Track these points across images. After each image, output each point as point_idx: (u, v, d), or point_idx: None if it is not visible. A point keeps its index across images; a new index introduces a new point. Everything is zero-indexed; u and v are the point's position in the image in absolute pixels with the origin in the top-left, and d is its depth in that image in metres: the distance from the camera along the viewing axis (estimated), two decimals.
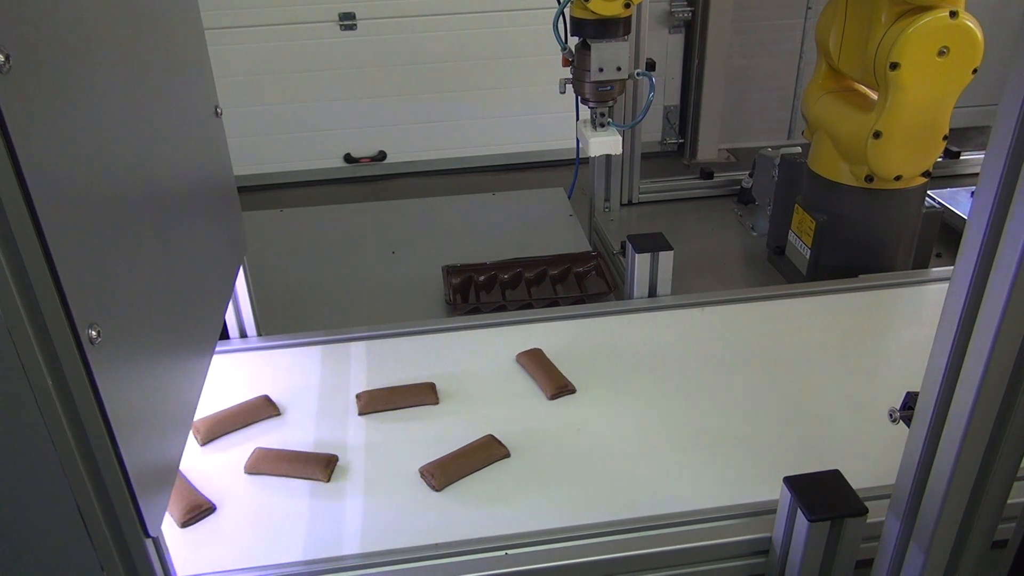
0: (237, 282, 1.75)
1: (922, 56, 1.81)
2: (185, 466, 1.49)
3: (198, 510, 1.38)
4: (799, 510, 1.20)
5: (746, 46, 3.30)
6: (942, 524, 1.05)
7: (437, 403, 1.64)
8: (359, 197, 3.26)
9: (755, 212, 2.65)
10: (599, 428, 1.56)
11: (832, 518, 1.20)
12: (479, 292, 2.23)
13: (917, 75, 1.83)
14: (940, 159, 2.12)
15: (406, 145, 3.43)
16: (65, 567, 0.92)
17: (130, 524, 0.94)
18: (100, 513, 0.91)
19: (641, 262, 1.94)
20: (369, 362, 1.77)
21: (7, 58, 0.73)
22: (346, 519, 1.37)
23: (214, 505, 1.41)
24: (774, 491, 1.29)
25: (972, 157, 2.95)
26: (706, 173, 2.84)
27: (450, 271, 2.25)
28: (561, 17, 1.86)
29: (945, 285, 0.96)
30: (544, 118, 3.42)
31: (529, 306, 2.11)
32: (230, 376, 1.74)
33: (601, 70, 1.87)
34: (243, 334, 1.86)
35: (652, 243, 1.95)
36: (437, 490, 1.42)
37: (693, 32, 3.28)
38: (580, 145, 2.11)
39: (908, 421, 1.08)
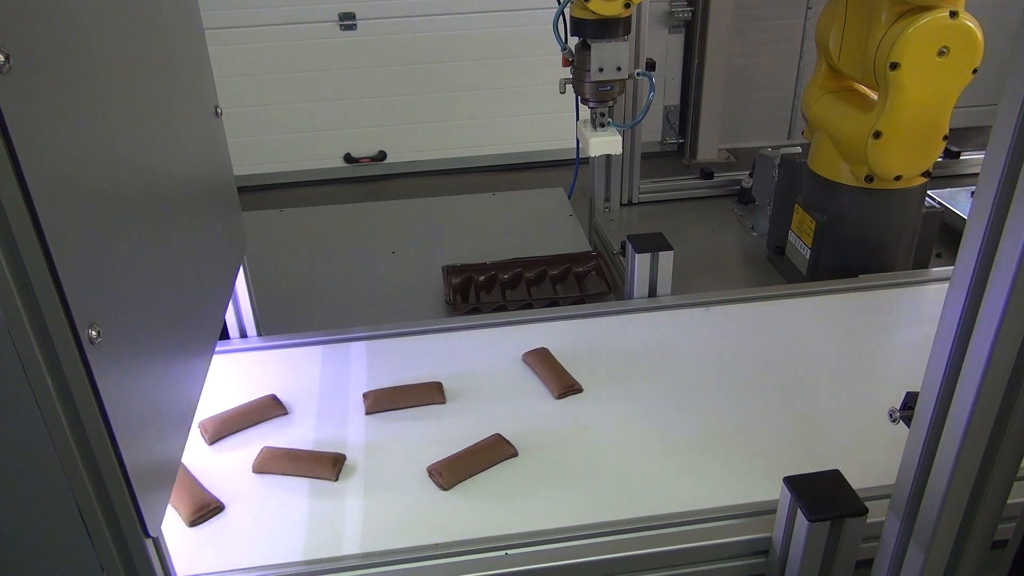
0: (237, 282, 1.75)
1: (922, 56, 1.81)
2: (193, 465, 1.49)
3: (207, 509, 1.39)
4: (799, 510, 1.20)
5: (746, 46, 3.30)
6: (942, 524, 1.05)
7: (444, 402, 1.64)
8: (359, 197, 3.26)
9: (755, 212, 2.64)
10: (605, 427, 1.56)
11: (832, 518, 1.20)
12: (479, 292, 2.23)
13: (917, 75, 1.83)
14: (940, 159, 2.12)
15: (406, 145, 3.43)
16: (65, 567, 0.92)
17: (130, 524, 0.94)
18: (100, 513, 0.91)
19: (641, 262, 1.94)
20: (373, 362, 1.77)
21: (7, 58, 0.73)
22: (353, 518, 1.37)
23: (223, 504, 1.41)
24: (774, 491, 1.29)
25: (972, 157, 2.94)
26: (706, 173, 2.84)
27: (450, 271, 2.25)
28: (561, 17, 1.86)
29: (945, 285, 0.96)
30: (544, 118, 3.41)
31: (529, 306, 2.11)
32: (234, 376, 1.74)
33: (601, 70, 1.86)
34: (243, 334, 1.86)
35: (652, 243, 1.95)
36: (445, 489, 1.42)
37: (693, 32, 3.28)
38: (580, 145, 2.11)
39: (908, 421, 1.08)
